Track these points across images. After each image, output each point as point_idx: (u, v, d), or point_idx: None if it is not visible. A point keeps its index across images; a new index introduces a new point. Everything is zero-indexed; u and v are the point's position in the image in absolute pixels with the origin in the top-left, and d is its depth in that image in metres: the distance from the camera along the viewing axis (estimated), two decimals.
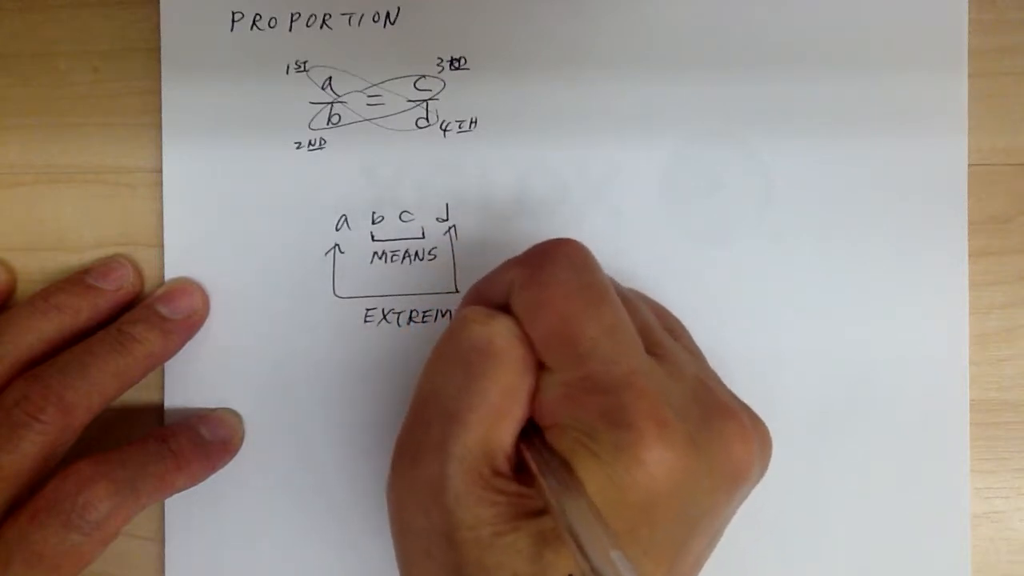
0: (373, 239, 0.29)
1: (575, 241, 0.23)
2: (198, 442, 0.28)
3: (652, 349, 0.22)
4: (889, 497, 0.29)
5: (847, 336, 0.29)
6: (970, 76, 0.29)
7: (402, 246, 0.29)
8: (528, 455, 0.21)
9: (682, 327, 0.25)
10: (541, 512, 0.20)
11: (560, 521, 0.19)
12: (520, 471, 0.21)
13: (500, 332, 0.21)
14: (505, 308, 0.22)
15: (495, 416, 0.21)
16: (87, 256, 0.30)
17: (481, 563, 0.19)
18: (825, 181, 0.29)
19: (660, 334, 0.23)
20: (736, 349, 0.29)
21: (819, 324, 0.29)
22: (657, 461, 0.19)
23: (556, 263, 0.22)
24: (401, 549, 0.22)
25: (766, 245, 0.29)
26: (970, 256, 0.29)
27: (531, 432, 0.21)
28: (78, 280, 0.28)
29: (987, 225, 0.29)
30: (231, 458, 0.29)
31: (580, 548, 0.18)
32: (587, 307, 0.21)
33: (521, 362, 0.21)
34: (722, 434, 0.20)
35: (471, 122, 0.29)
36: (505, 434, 0.21)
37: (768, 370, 0.29)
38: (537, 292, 0.21)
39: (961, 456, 0.29)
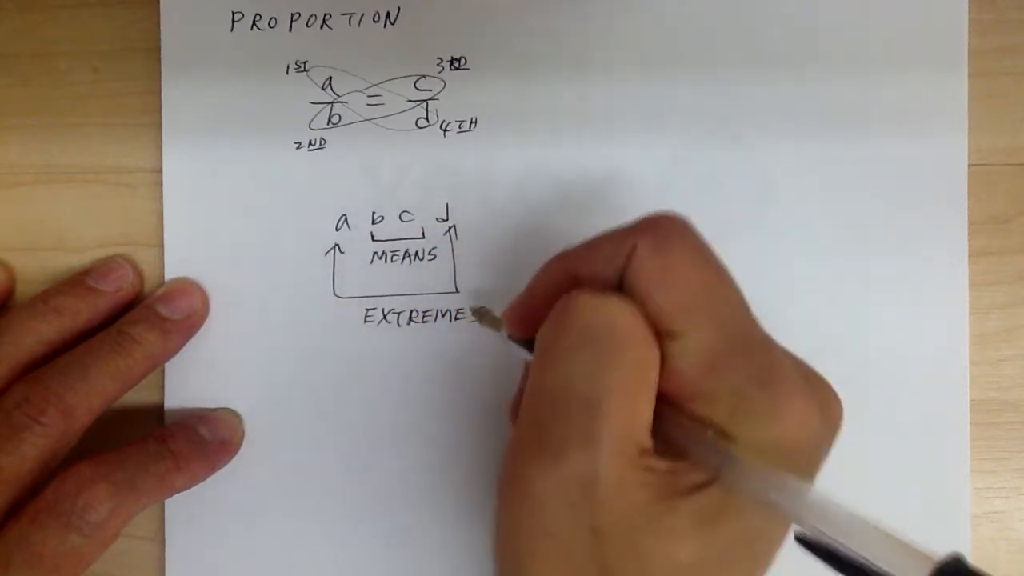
0: (373, 239, 0.29)
1: (679, 215, 0.22)
2: (198, 442, 0.28)
3: None
4: (889, 497, 0.29)
5: (847, 335, 0.29)
6: (970, 76, 0.29)
7: (402, 246, 0.29)
8: (674, 428, 0.21)
9: None
10: (694, 489, 0.20)
11: (737, 484, 0.19)
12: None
13: (620, 309, 0.21)
14: (605, 282, 0.22)
15: (634, 395, 0.20)
16: (87, 256, 0.30)
17: (635, 551, 0.19)
18: (825, 181, 0.29)
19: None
20: None
21: (819, 324, 0.29)
22: (802, 413, 0.20)
23: (679, 232, 0.22)
24: (524, 556, 0.20)
25: (766, 245, 0.29)
26: (970, 256, 0.29)
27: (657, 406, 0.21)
28: (78, 282, 0.28)
29: (987, 225, 0.29)
30: (231, 458, 0.29)
31: (777, 506, 0.19)
32: (720, 271, 0.21)
33: (646, 337, 0.21)
34: (826, 391, 0.22)
35: (471, 122, 0.29)
36: (645, 411, 0.20)
37: None
38: (672, 258, 0.21)
39: (961, 456, 0.29)
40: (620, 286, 0.21)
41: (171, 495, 0.27)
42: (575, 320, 0.21)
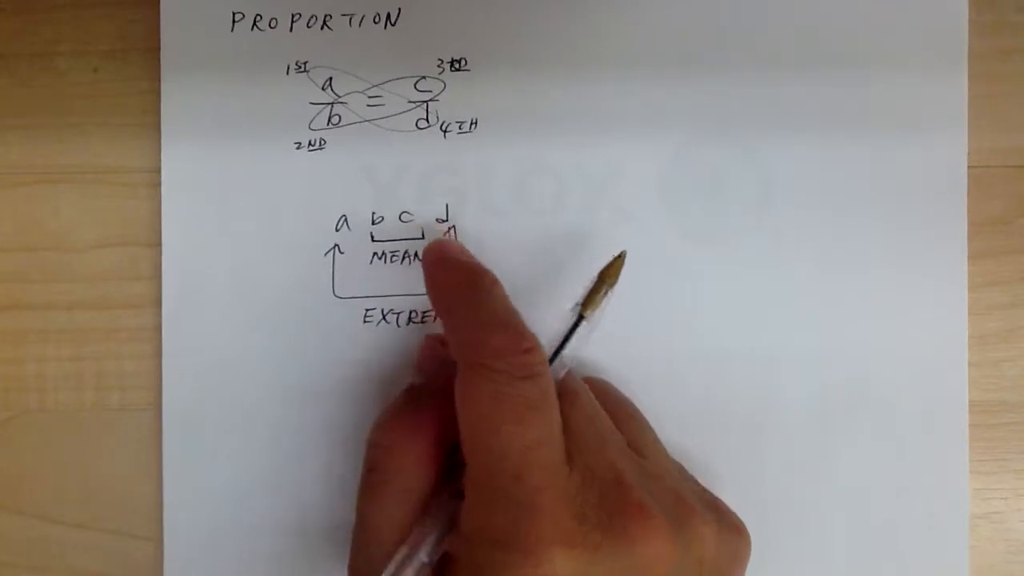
0: (373, 239, 0.29)
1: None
2: None
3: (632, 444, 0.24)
4: (889, 497, 0.29)
5: (847, 336, 0.29)
6: (970, 77, 0.29)
7: (402, 246, 0.29)
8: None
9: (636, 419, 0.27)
10: None
11: None
12: None
13: (388, 438, 0.24)
14: None
15: (400, 519, 0.23)
16: (87, 256, 0.30)
17: None
18: (825, 181, 0.29)
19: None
20: (736, 349, 0.29)
21: (819, 324, 0.29)
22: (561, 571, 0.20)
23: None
24: None
25: (766, 245, 0.29)
26: (970, 258, 0.29)
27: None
28: None
29: (987, 227, 0.29)
30: None
31: None
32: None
33: (411, 463, 0.23)
34: (627, 532, 0.21)
35: (471, 123, 0.29)
36: (422, 531, 0.23)
37: (768, 370, 0.29)
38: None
39: (961, 456, 0.29)
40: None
41: None
42: (367, 447, 0.24)
